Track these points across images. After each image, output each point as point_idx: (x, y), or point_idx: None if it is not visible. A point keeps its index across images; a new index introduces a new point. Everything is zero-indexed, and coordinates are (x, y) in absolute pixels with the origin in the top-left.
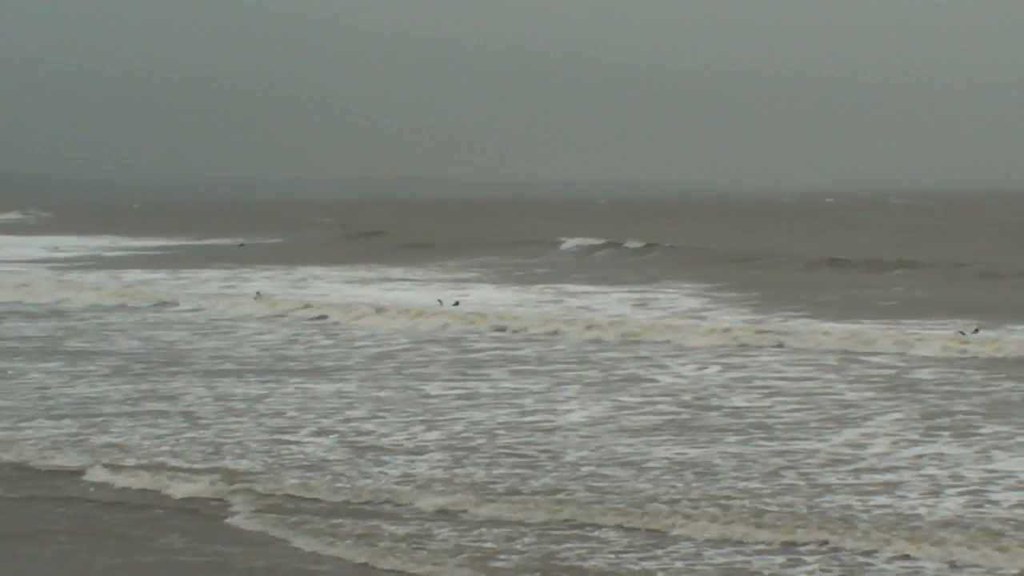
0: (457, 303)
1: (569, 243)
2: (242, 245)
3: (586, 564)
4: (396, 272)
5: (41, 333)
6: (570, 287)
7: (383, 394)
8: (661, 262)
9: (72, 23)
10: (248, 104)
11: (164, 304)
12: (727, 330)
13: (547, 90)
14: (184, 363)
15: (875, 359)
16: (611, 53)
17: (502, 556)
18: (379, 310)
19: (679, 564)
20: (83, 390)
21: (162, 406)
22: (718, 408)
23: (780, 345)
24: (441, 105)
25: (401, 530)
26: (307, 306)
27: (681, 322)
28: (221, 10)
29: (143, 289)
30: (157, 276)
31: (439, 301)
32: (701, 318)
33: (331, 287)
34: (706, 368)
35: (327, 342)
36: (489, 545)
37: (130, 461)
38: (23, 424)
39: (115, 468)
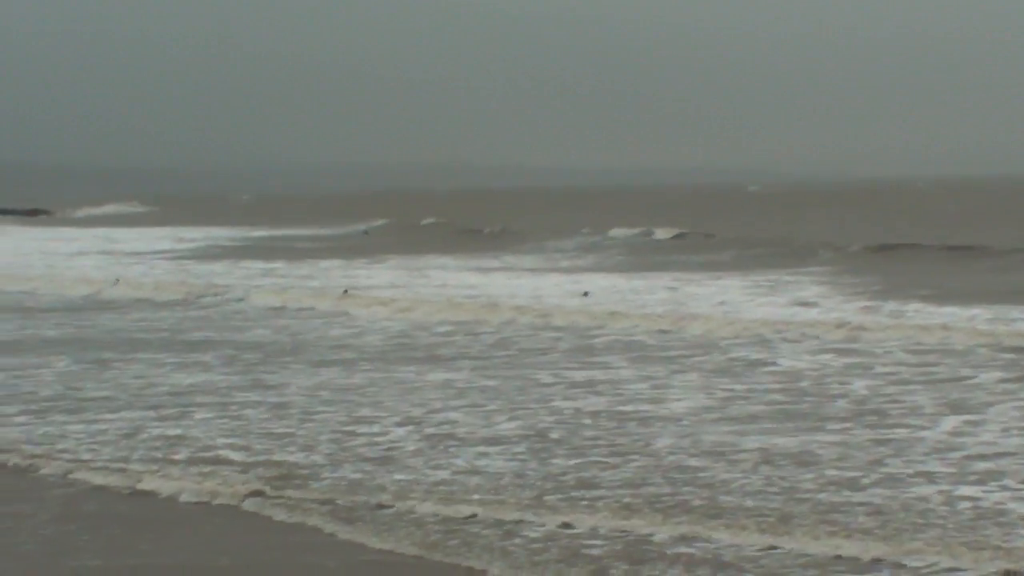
0: (587, 293)
1: (620, 231)
2: (366, 233)
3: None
4: (495, 261)
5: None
6: (689, 275)
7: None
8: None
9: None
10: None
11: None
12: (845, 322)
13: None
14: (299, 353)
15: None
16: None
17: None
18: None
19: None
20: (179, 380)
21: (254, 396)
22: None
23: (905, 330)
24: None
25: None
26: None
27: (815, 313)
28: None
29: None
30: (331, 264)
31: (585, 293)
32: (825, 307)
33: (462, 277)
34: (823, 355)
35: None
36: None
37: (182, 454)
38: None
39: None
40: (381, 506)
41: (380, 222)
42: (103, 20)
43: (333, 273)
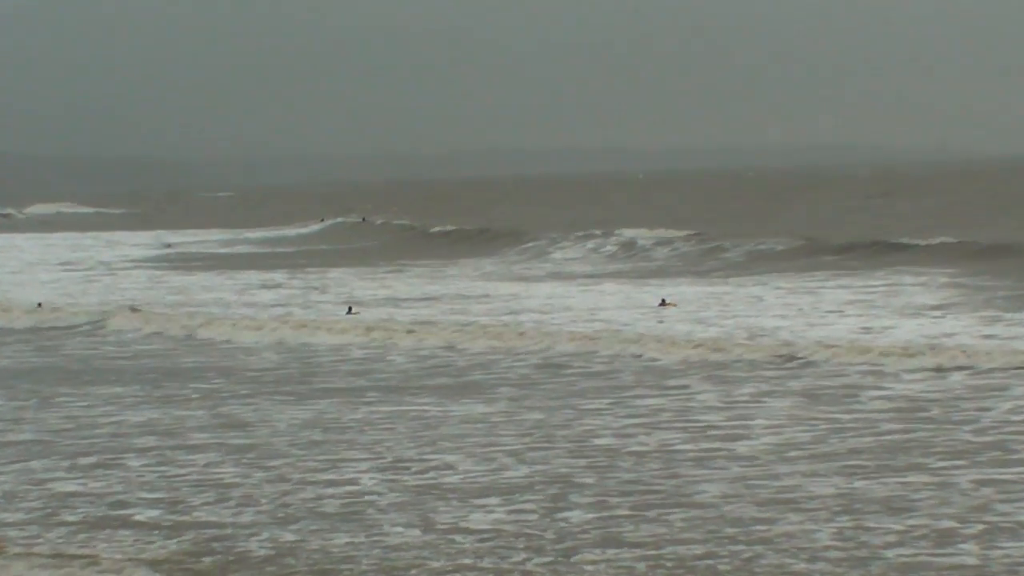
0: (664, 302)
1: (643, 234)
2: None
3: None
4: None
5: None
6: (807, 283)
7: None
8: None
9: None
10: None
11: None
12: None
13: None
14: (305, 381)
15: None
16: None
17: None
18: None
19: None
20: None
21: (214, 438)
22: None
23: None
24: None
25: None
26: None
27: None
28: None
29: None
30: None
31: (662, 301)
32: (948, 317)
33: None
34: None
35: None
36: None
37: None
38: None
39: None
40: None
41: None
42: (74, 7)
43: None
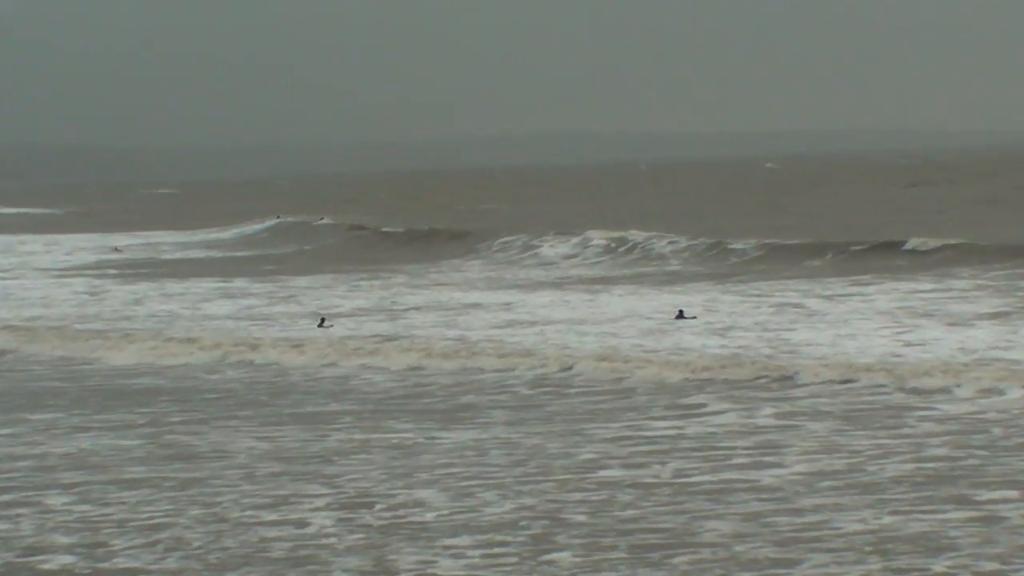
0: (683, 314)
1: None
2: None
3: None
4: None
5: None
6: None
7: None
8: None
9: None
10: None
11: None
12: None
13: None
14: (270, 405)
15: None
16: None
17: None
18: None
19: None
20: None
21: (154, 471)
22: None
23: None
24: None
25: None
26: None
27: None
28: None
29: None
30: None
31: (680, 313)
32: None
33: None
34: None
35: None
36: None
37: None
38: None
39: None
40: None
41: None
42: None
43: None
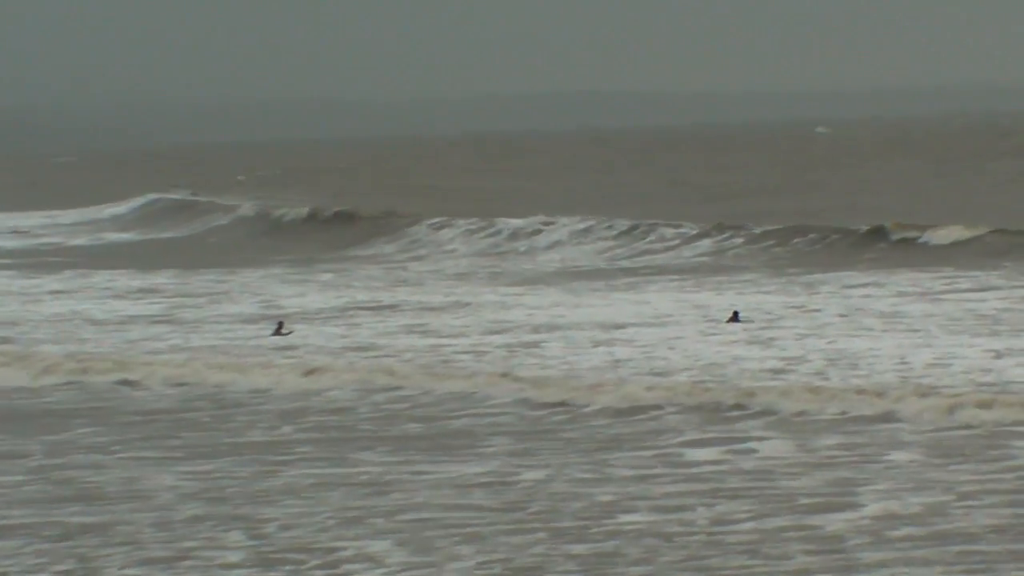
0: (737, 316)
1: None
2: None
3: None
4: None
5: None
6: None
7: None
8: None
9: None
10: None
11: None
12: None
13: None
14: (210, 430)
15: None
16: None
17: None
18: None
19: None
20: None
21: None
22: None
23: None
24: None
25: None
26: None
27: None
28: None
29: None
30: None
31: (734, 315)
32: None
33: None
34: None
35: None
36: None
37: None
38: None
39: None
40: None
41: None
42: None
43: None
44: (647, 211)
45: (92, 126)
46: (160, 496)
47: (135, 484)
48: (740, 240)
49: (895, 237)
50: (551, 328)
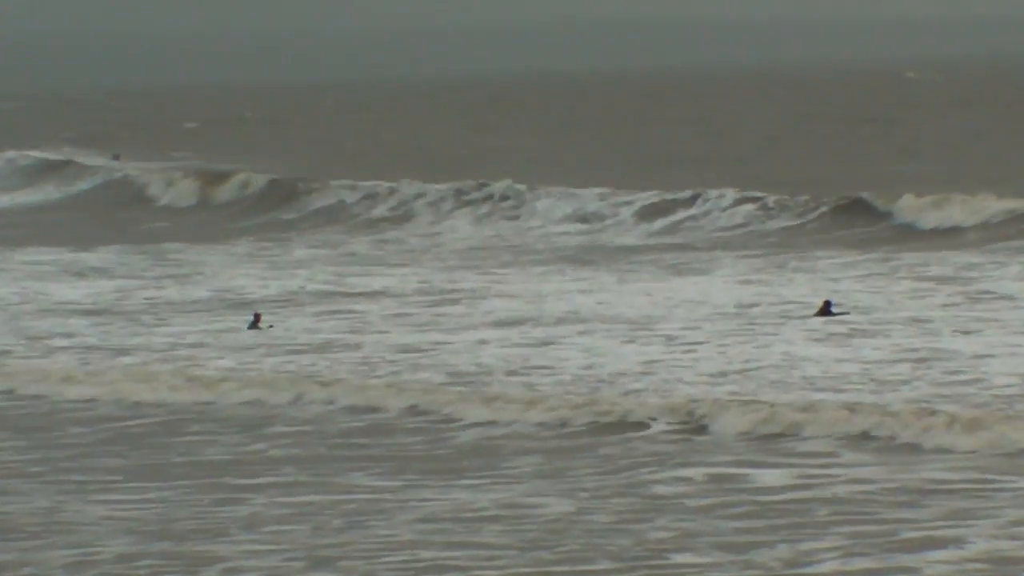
0: (829, 308)
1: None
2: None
3: None
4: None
5: None
6: None
7: None
8: None
9: None
10: None
11: None
12: None
13: None
14: (157, 447)
15: None
16: None
17: None
18: None
19: None
20: None
21: None
22: None
23: None
24: None
25: None
26: None
27: None
28: None
29: None
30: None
31: (825, 307)
32: None
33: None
34: None
35: None
36: None
37: None
38: None
39: None
40: None
41: None
42: None
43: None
44: (684, 177)
45: (43, 62)
46: (84, 530)
47: (57, 514)
48: (809, 213)
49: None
50: (576, 322)
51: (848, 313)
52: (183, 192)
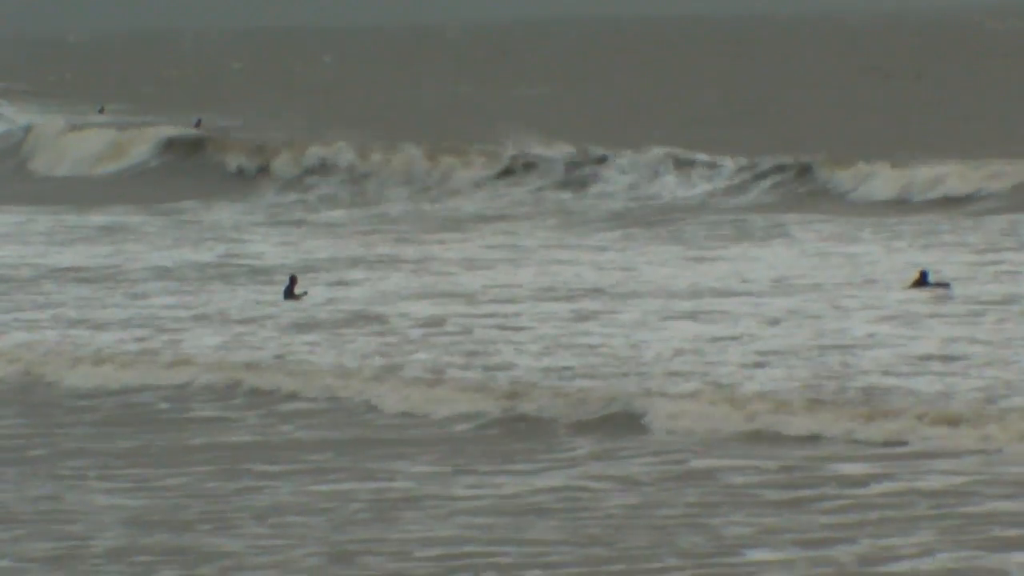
0: (925, 279)
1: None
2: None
3: None
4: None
5: None
6: None
7: None
8: None
9: None
10: None
11: None
12: None
13: None
14: (160, 431)
15: None
16: None
17: None
18: None
19: None
20: None
21: None
22: None
23: None
24: None
25: None
26: None
27: None
28: None
29: None
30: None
31: (921, 277)
32: None
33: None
34: None
35: None
36: None
37: None
38: None
39: None
40: None
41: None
42: None
43: None
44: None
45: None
46: (82, 521)
47: (54, 502)
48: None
49: None
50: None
51: (948, 285)
52: None
